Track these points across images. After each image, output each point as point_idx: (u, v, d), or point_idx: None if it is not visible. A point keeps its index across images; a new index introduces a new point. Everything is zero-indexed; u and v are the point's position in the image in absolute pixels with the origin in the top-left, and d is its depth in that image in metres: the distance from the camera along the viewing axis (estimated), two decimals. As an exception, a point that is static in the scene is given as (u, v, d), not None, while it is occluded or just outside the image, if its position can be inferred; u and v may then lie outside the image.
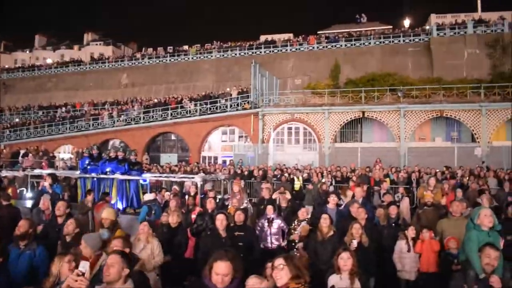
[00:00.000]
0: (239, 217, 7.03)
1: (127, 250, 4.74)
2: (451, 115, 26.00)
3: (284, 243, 8.13)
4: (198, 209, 9.44)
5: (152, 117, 31.69)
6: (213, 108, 30.25)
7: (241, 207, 9.31)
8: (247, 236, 6.87)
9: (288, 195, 10.55)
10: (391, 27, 46.46)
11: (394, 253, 7.27)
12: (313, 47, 38.15)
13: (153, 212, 9.43)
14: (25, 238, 5.54)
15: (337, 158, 25.78)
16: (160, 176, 15.29)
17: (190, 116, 30.56)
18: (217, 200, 10.50)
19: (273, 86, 32.64)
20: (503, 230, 6.28)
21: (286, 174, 17.59)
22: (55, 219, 7.32)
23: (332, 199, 8.91)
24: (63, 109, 38.99)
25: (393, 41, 36.09)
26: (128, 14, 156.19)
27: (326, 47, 37.77)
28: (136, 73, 43.90)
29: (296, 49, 38.69)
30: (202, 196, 11.10)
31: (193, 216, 8.78)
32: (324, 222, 6.73)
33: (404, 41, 35.72)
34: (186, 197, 11.17)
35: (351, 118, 27.49)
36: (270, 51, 39.18)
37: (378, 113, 26.94)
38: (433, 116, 26.33)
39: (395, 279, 7.34)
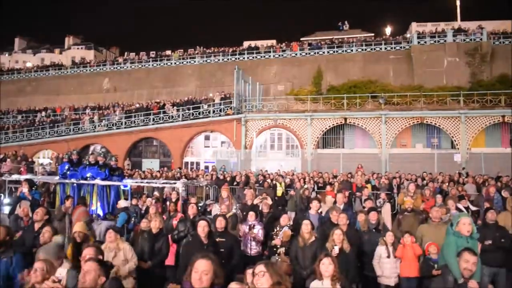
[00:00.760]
0: (220, 223, 6.99)
1: (99, 257, 4.66)
2: (431, 122, 26.40)
3: (259, 249, 8.13)
4: (179, 215, 9.35)
5: (134, 122, 31.45)
6: (196, 114, 30.15)
7: (230, 213, 9.28)
8: (229, 242, 6.83)
9: (270, 201, 10.53)
10: (373, 34, 46.91)
11: (374, 258, 7.32)
12: (296, 54, 38.31)
13: (132, 220, 9.32)
14: (1, 245, 5.42)
15: (319, 164, 25.96)
16: (142, 182, 15.13)
17: (172, 122, 30.40)
18: (199, 207, 10.43)
19: (256, 92, 32.70)
20: (481, 235, 6.38)
21: (269, 180, 17.56)
22: (33, 225, 7.19)
23: (314, 205, 8.94)
24: (43, 113, 38.34)
25: (374, 49, 36.46)
26: (111, 18, 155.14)
27: (309, 53, 37.95)
28: (118, 77, 43.45)
29: (279, 55, 38.79)
30: (183, 202, 11.02)
31: (175, 222, 8.70)
32: (306, 228, 6.74)
33: (385, 48, 36.11)
34: (168, 203, 11.07)
35: (333, 124, 27.69)
36: (253, 57, 39.19)
37: (360, 119, 27.19)
38: (414, 123, 26.70)
39: (376, 284, 7.38)
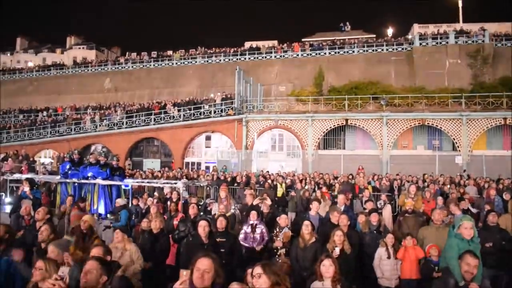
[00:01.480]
0: (221, 223, 6.97)
1: (108, 257, 4.66)
2: (432, 124, 26.39)
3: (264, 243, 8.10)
4: (180, 215, 9.35)
5: (135, 122, 31.47)
6: (197, 114, 30.16)
7: (229, 213, 9.27)
8: (229, 242, 6.82)
9: (269, 201, 10.51)
10: (374, 36, 46.87)
11: (374, 260, 7.30)
12: (298, 55, 38.32)
13: (132, 217, 9.32)
14: (1, 243, 5.41)
15: (320, 165, 25.93)
16: (143, 182, 15.13)
17: (173, 122, 30.43)
18: (200, 206, 10.42)
19: (257, 93, 32.71)
20: (482, 238, 6.36)
21: (269, 181, 17.54)
22: (35, 224, 7.19)
23: (314, 206, 8.93)
24: (45, 113, 38.39)
25: (376, 50, 36.45)
26: (112, 18, 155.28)
27: (310, 54, 37.97)
28: (119, 77, 43.49)
29: (281, 56, 38.80)
30: (184, 202, 11.01)
31: (175, 222, 8.69)
32: (306, 229, 6.72)
33: (387, 50, 36.12)
34: (168, 203, 11.06)
35: (334, 125, 27.69)
36: (254, 58, 39.18)
37: (361, 121, 27.18)
38: (415, 125, 26.69)
39: (377, 286, 7.36)
